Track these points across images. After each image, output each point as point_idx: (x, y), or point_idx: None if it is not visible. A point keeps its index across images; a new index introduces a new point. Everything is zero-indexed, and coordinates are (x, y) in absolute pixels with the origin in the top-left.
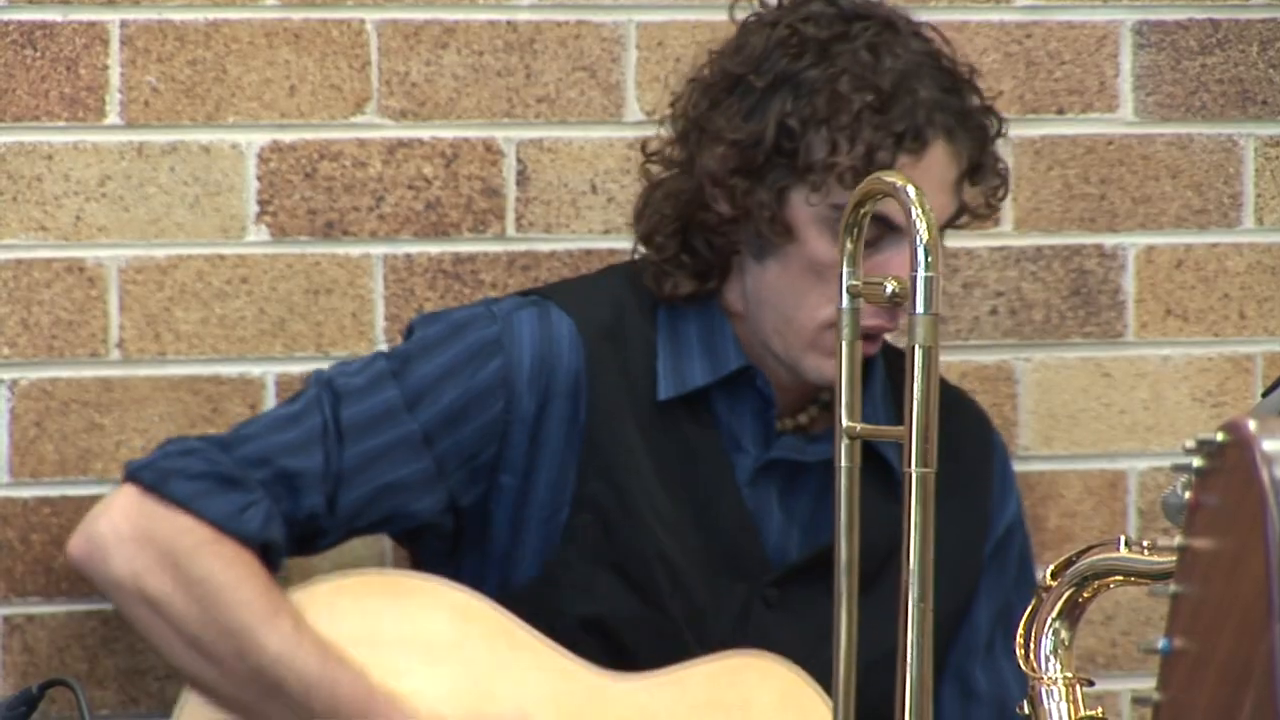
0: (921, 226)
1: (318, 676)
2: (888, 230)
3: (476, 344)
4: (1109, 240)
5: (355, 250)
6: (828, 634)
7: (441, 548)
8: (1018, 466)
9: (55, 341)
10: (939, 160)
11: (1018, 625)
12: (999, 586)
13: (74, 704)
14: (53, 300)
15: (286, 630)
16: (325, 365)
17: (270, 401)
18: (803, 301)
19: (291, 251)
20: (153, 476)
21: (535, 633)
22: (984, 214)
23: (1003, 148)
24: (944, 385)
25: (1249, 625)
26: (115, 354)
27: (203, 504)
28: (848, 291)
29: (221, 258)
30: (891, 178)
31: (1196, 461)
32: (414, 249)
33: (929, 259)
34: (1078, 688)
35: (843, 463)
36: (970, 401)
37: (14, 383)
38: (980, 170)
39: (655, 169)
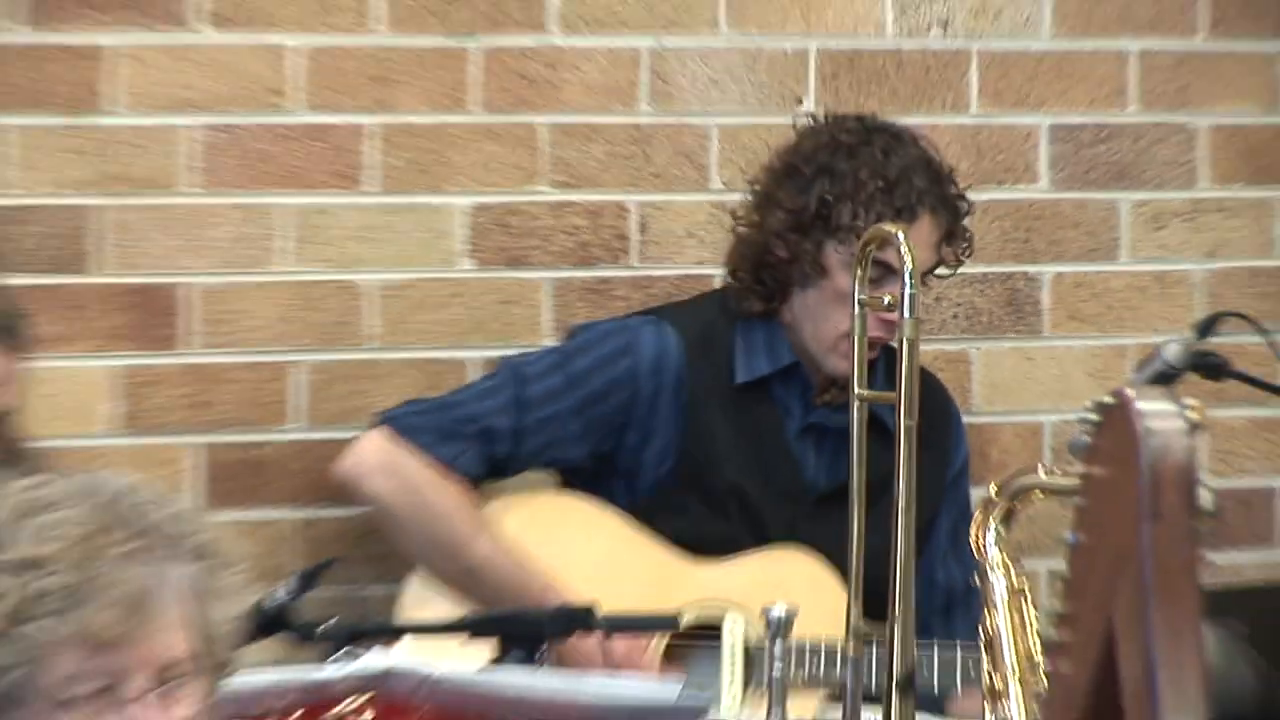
0: (908, 259)
1: (512, 578)
2: (888, 273)
3: (616, 349)
4: (1031, 269)
5: (532, 275)
6: (846, 537)
7: (587, 477)
8: (971, 419)
9: (331, 336)
10: (925, 227)
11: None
12: (954, 507)
13: (344, 578)
14: (330, 309)
15: (487, 543)
16: (509, 352)
17: (471, 376)
18: (829, 318)
19: (489, 276)
20: (401, 425)
21: (642, 531)
22: (954, 266)
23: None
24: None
25: (1126, 525)
26: (374, 344)
27: (437, 450)
28: (859, 303)
29: (442, 280)
30: (889, 227)
31: (1093, 416)
32: (570, 274)
33: (913, 280)
34: (1012, 567)
35: (855, 415)
36: (934, 377)
37: (308, 365)
38: (953, 237)
39: (742, 230)
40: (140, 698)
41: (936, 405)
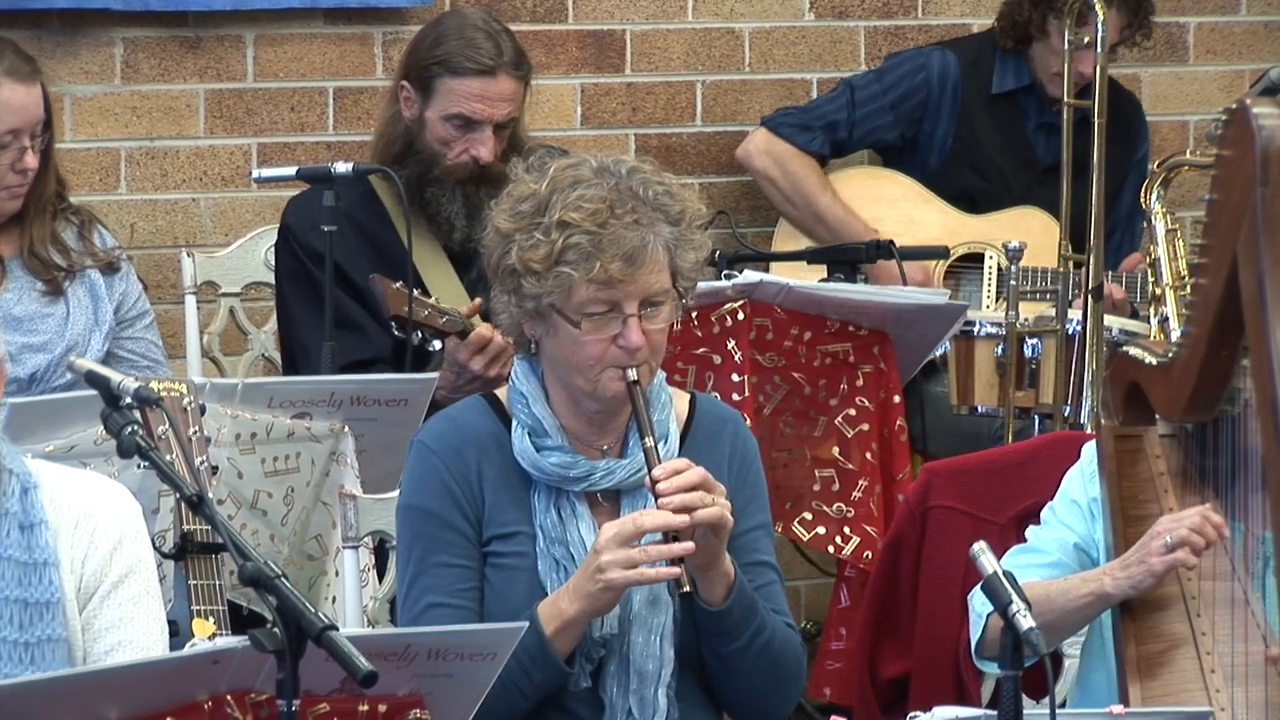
0: (1100, 13)
1: (844, 220)
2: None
3: (914, 65)
4: (1182, 19)
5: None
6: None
7: (895, 155)
8: None
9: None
10: (1114, 17)
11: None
12: (1136, 180)
13: (726, 223)
14: None
15: (829, 197)
16: None
17: None
18: (1055, 56)
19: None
20: (773, 124)
21: (931, 191)
22: (1136, 43)
23: None
24: None
25: (1245, 188)
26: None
27: (797, 139)
28: (1067, 43)
29: None
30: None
31: (1224, 117)
32: None
33: (1104, 31)
34: (1167, 215)
35: (1065, 115)
36: (1128, 92)
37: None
38: (1136, 26)
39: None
40: (630, 316)
41: (1128, 110)
